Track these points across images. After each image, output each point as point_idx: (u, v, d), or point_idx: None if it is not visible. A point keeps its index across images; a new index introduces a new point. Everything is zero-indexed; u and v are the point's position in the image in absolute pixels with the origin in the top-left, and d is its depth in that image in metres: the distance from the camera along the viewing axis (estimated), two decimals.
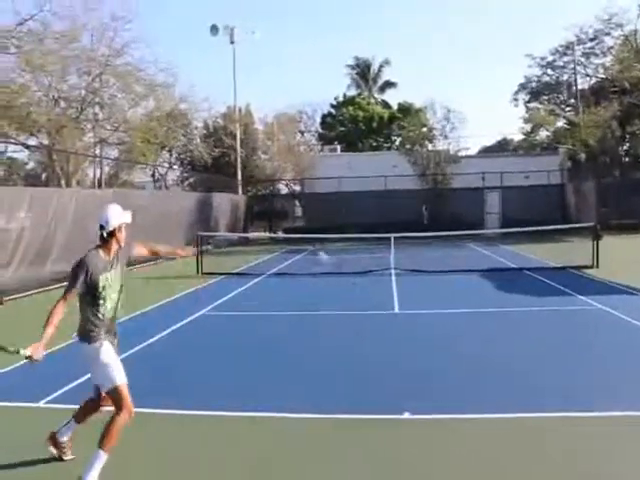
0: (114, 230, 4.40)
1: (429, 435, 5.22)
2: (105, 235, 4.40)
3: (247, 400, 6.17)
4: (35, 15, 19.26)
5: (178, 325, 10.02)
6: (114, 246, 4.46)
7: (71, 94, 22.95)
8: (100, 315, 4.39)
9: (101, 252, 4.43)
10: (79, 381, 6.64)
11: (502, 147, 56.22)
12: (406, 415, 5.55)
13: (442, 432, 5.28)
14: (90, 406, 4.74)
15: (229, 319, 10.88)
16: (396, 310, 11.13)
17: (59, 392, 6.44)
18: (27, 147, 24.56)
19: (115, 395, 4.32)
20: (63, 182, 21.61)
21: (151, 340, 8.93)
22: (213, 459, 4.81)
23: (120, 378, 4.34)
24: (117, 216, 4.43)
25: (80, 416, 4.77)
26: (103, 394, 4.48)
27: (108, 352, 4.39)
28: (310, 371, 7.32)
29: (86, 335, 4.37)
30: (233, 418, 5.71)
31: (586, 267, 15.63)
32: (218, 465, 4.72)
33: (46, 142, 22.85)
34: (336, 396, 6.29)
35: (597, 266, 15.56)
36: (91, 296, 4.35)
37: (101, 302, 4.38)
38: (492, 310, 10.93)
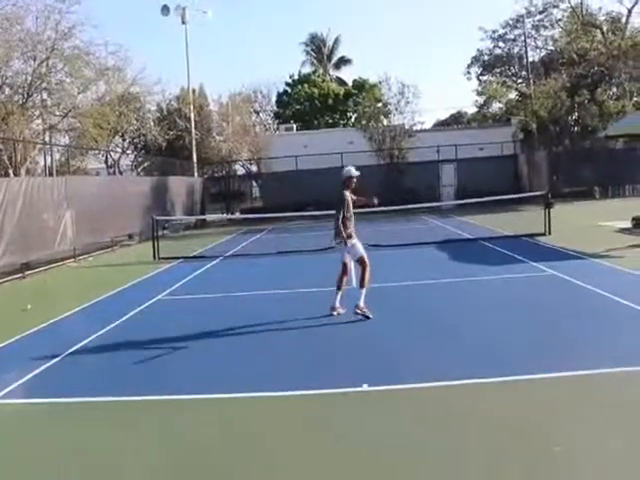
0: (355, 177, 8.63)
1: (387, 405, 5.29)
2: (354, 181, 8.65)
3: (210, 382, 6.13)
4: None
5: (134, 312, 9.80)
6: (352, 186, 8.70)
7: (16, 80, 22.12)
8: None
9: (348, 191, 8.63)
10: (25, 378, 6.51)
11: (456, 120, 56.62)
12: (365, 387, 5.63)
13: (399, 402, 5.35)
14: (342, 276, 8.75)
15: (185, 302, 10.73)
16: (354, 284, 11.11)
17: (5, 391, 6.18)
18: None
19: (362, 259, 8.50)
20: (11, 172, 20.86)
21: (108, 327, 8.74)
22: (183, 442, 4.78)
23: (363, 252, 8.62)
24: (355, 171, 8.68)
25: (340, 284, 8.69)
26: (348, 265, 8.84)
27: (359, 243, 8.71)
28: (270, 350, 7.28)
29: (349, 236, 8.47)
30: (197, 400, 5.68)
31: (539, 235, 15.92)
32: (185, 449, 4.66)
33: None
34: (298, 373, 6.30)
35: (549, 233, 15.87)
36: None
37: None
38: (448, 280, 11.02)
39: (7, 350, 7.90)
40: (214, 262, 15.71)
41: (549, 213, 16.16)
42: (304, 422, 5.08)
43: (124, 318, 9.36)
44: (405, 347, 6.98)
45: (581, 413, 4.88)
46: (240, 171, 40.04)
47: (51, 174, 26.64)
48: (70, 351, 7.50)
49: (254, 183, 39.20)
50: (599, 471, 3.93)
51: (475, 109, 51.22)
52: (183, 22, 33.59)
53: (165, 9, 33.31)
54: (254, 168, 39.35)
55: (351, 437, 4.66)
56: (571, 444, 4.29)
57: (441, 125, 54.76)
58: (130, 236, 22.16)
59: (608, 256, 12.25)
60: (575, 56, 36.77)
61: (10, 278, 13.59)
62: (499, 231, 17.95)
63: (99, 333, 8.43)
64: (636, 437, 4.36)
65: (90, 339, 8.08)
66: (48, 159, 28.56)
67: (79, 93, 24.53)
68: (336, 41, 55.63)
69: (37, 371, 6.70)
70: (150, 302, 10.56)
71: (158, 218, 18.77)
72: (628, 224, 16.48)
